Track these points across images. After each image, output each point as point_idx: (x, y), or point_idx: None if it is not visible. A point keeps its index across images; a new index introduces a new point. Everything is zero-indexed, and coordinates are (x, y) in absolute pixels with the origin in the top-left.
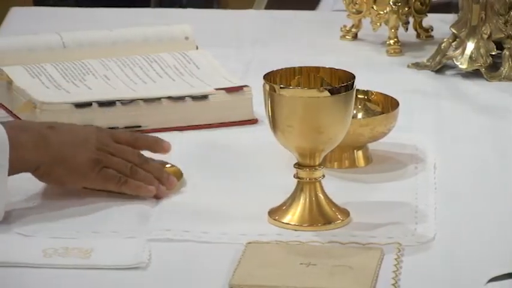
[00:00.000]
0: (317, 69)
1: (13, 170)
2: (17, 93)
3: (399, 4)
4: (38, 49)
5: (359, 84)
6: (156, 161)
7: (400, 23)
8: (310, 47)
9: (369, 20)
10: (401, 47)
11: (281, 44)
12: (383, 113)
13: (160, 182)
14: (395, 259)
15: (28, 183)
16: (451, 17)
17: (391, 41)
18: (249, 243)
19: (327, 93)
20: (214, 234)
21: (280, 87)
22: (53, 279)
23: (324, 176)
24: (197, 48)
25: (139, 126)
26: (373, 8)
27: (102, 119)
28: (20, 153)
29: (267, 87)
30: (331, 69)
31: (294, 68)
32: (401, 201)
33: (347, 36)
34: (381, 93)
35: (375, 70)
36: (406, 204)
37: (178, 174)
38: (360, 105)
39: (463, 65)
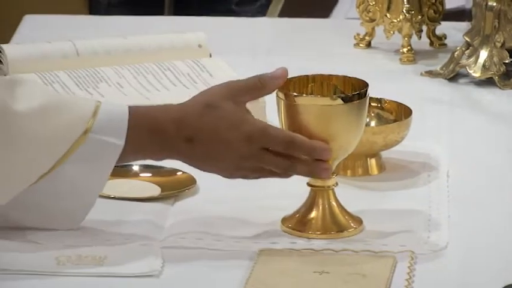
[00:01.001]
0: (330, 77)
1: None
2: None
3: (412, 12)
4: (51, 57)
5: (372, 92)
6: (167, 168)
7: (414, 31)
8: (324, 55)
9: (382, 28)
10: (414, 55)
11: (294, 52)
12: (396, 121)
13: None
14: (408, 267)
15: None
16: (465, 25)
17: (405, 49)
18: (262, 250)
19: (340, 101)
20: (228, 241)
21: (294, 96)
22: None
23: (337, 184)
24: (210, 56)
25: None
26: (386, 16)
27: None
28: (144, 155)
29: (280, 95)
30: (344, 77)
31: (307, 76)
32: (414, 209)
33: (360, 44)
34: (394, 101)
35: (388, 78)
36: (419, 213)
37: (191, 181)
38: (373, 113)
39: (476, 73)
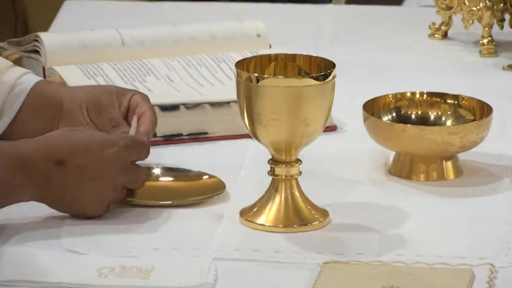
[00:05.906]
0: (294, 57)
1: (8, 203)
2: None
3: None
4: (94, 47)
5: (449, 88)
6: (194, 171)
7: (495, 21)
8: (395, 46)
9: (460, 17)
10: (495, 47)
11: (362, 43)
12: (475, 120)
13: None
14: (487, 282)
15: None
16: None
17: (485, 40)
18: (326, 263)
19: (311, 81)
20: (287, 253)
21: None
22: None
23: (300, 173)
24: (270, 46)
25: (206, 133)
26: (464, 3)
27: (165, 125)
28: (15, 197)
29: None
30: (310, 57)
31: (269, 55)
32: (494, 217)
33: (436, 35)
34: (473, 98)
35: (466, 72)
36: (499, 221)
37: (218, 186)
38: (449, 111)
39: None
